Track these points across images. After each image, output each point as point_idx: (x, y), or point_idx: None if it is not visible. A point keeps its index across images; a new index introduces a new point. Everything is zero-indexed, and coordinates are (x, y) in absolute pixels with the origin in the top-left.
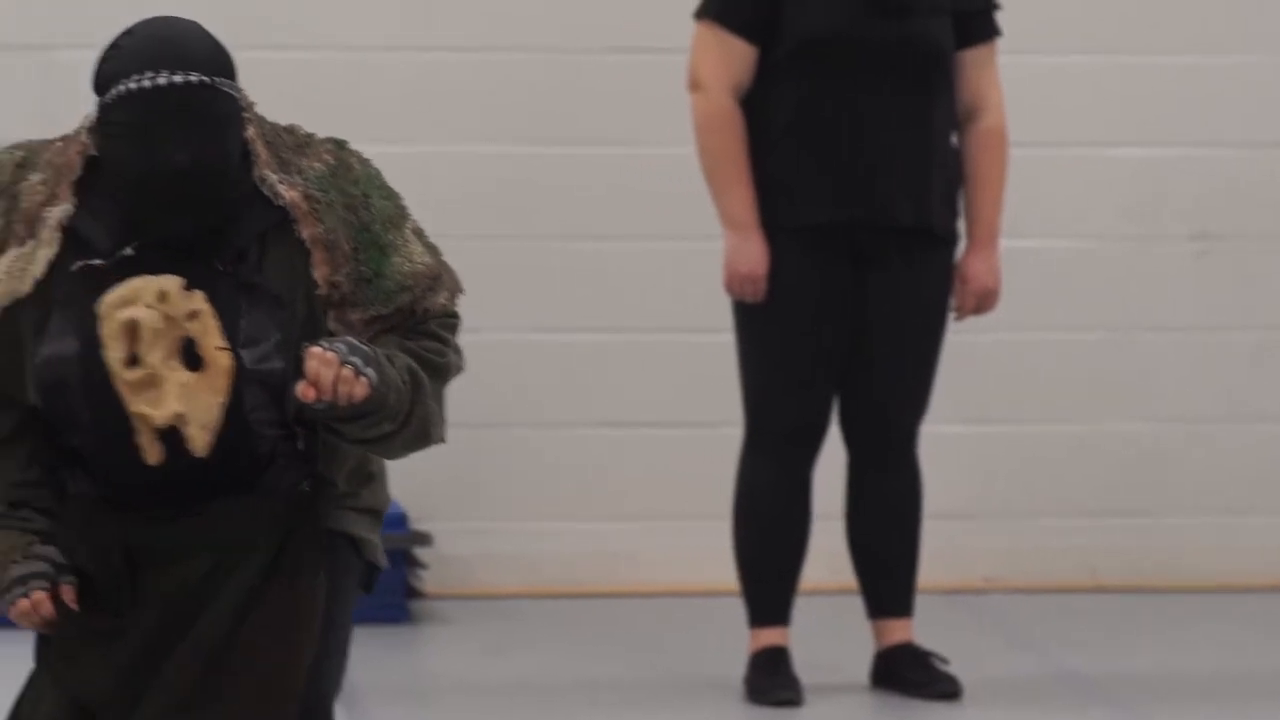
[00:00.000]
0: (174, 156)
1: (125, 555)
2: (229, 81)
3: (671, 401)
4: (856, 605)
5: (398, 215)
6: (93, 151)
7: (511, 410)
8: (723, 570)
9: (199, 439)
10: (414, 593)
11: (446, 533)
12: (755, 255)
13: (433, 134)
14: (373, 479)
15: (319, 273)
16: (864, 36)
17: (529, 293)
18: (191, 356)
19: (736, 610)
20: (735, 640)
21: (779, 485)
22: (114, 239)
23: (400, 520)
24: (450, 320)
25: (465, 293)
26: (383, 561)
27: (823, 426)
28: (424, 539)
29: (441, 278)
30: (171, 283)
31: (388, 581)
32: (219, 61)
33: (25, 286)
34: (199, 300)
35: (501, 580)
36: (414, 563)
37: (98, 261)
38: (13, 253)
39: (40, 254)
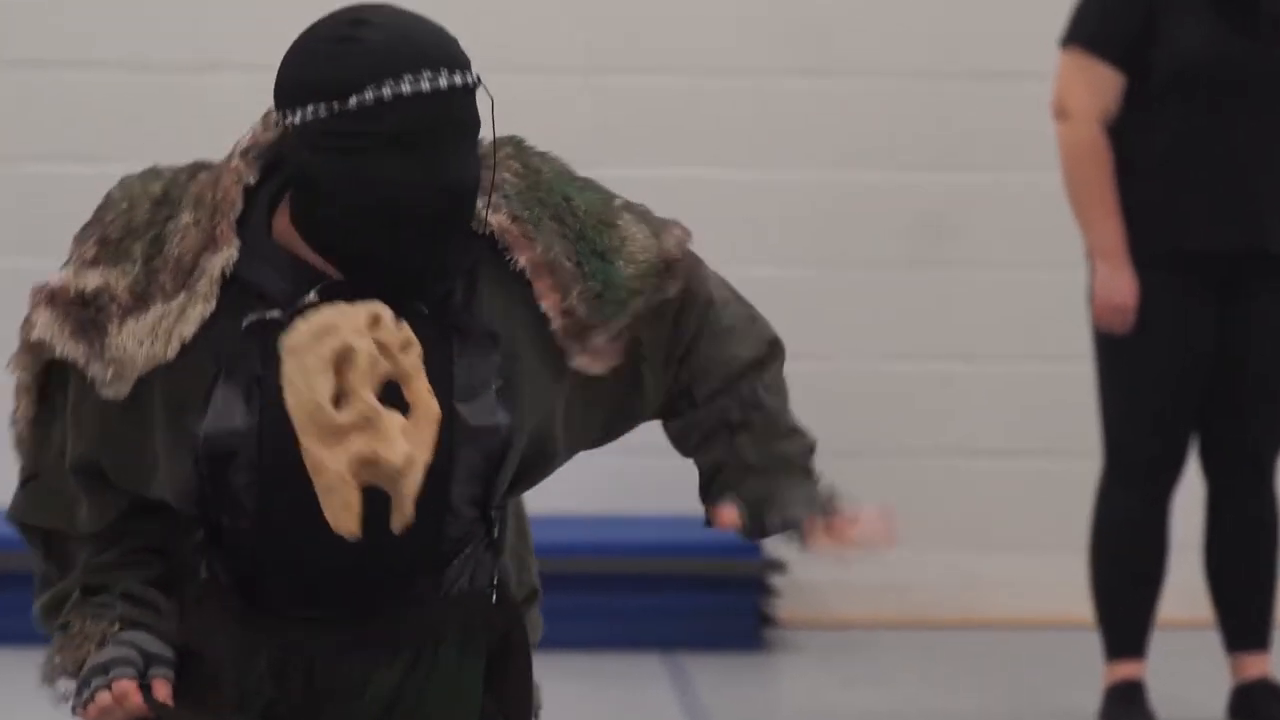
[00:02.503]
0: (457, 172)
1: (276, 660)
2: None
3: (1026, 431)
4: (1213, 639)
5: (603, 206)
6: (249, 181)
7: (866, 438)
8: (1078, 602)
9: (405, 506)
10: (767, 620)
11: (801, 560)
12: (1126, 286)
13: (784, 159)
14: (523, 559)
15: (547, 302)
16: (1239, 63)
17: (883, 320)
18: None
19: (1092, 642)
20: (1090, 673)
21: (1138, 517)
22: (290, 283)
23: (753, 547)
24: (729, 310)
25: (693, 236)
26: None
27: (1183, 458)
28: (778, 566)
29: (674, 266)
30: (381, 307)
31: (740, 608)
32: (467, 61)
33: (169, 352)
34: (409, 332)
35: (856, 609)
36: (767, 590)
37: (275, 313)
38: (156, 310)
39: (193, 311)
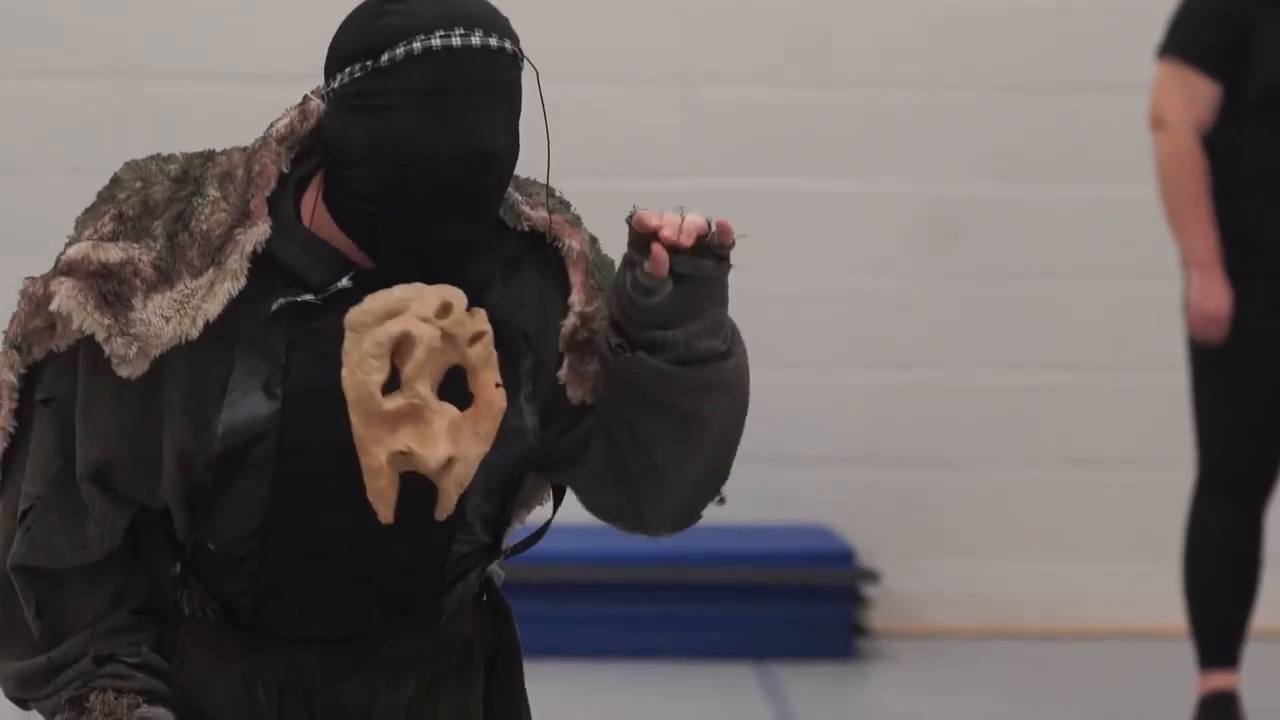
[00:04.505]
0: (487, 135)
1: (275, 693)
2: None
3: (1119, 441)
4: None
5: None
6: (285, 167)
7: (961, 448)
8: (1170, 612)
9: (449, 501)
10: (859, 630)
11: (895, 570)
12: (1220, 296)
13: (890, 168)
14: None
15: (578, 297)
16: None
17: (982, 331)
18: (451, 393)
19: (1184, 653)
20: (1183, 683)
21: (1232, 527)
22: (323, 268)
23: (846, 557)
24: None
25: None
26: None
27: (1276, 470)
28: (871, 576)
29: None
30: (456, 295)
31: (833, 617)
32: (509, 30)
33: (193, 330)
34: (483, 321)
35: (949, 618)
36: (860, 600)
37: (308, 297)
38: (182, 286)
39: (221, 288)
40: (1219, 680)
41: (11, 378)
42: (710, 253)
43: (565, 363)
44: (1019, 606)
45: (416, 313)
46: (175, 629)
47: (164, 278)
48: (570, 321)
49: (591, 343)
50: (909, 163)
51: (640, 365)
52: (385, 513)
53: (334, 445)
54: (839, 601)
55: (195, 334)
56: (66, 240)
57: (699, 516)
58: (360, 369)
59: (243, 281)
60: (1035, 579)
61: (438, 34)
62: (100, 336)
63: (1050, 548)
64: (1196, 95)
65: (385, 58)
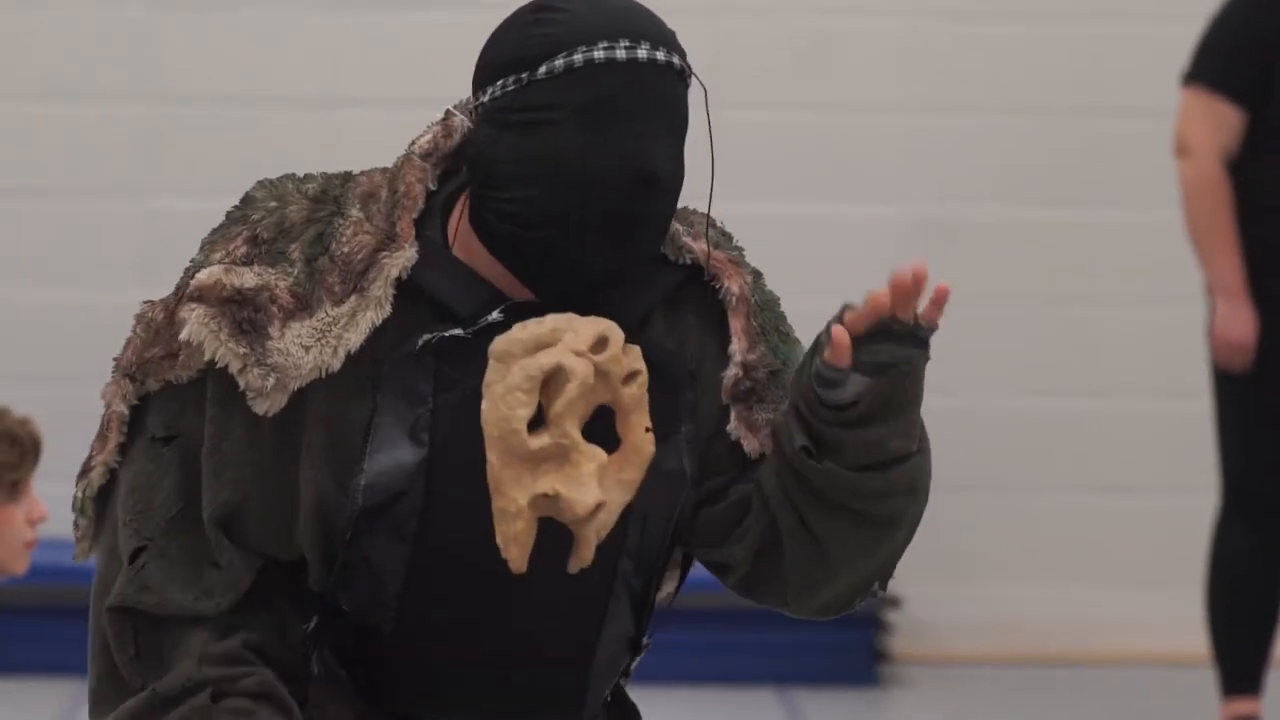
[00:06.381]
0: (650, 156)
1: None
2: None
3: (1142, 468)
4: None
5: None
6: (431, 185)
7: (983, 475)
8: (1193, 638)
9: (586, 550)
10: (881, 655)
11: (917, 596)
12: (1245, 323)
13: (915, 191)
14: None
15: (738, 345)
16: None
17: (1004, 357)
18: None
19: (1207, 679)
20: (1206, 710)
21: (1256, 553)
22: (471, 299)
23: None
24: None
25: None
26: None
27: None
28: (893, 601)
29: None
30: (612, 328)
31: (855, 643)
32: (676, 43)
33: (335, 361)
34: (638, 359)
35: (971, 645)
36: (882, 625)
37: (457, 331)
38: (322, 314)
39: (363, 317)
40: (1242, 707)
41: (123, 409)
42: (911, 337)
43: (733, 416)
44: (1041, 633)
45: (569, 345)
46: (304, 685)
47: (302, 305)
48: (732, 372)
49: (757, 391)
50: (932, 186)
51: (826, 473)
52: (519, 560)
53: (487, 499)
54: (861, 627)
55: (337, 365)
56: (189, 264)
57: (853, 608)
58: (505, 403)
59: (387, 310)
60: (1057, 605)
61: (600, 45)
62: (234, 368)
63: (1073, 574)
64: (1222, 123)
65: (542, 70)
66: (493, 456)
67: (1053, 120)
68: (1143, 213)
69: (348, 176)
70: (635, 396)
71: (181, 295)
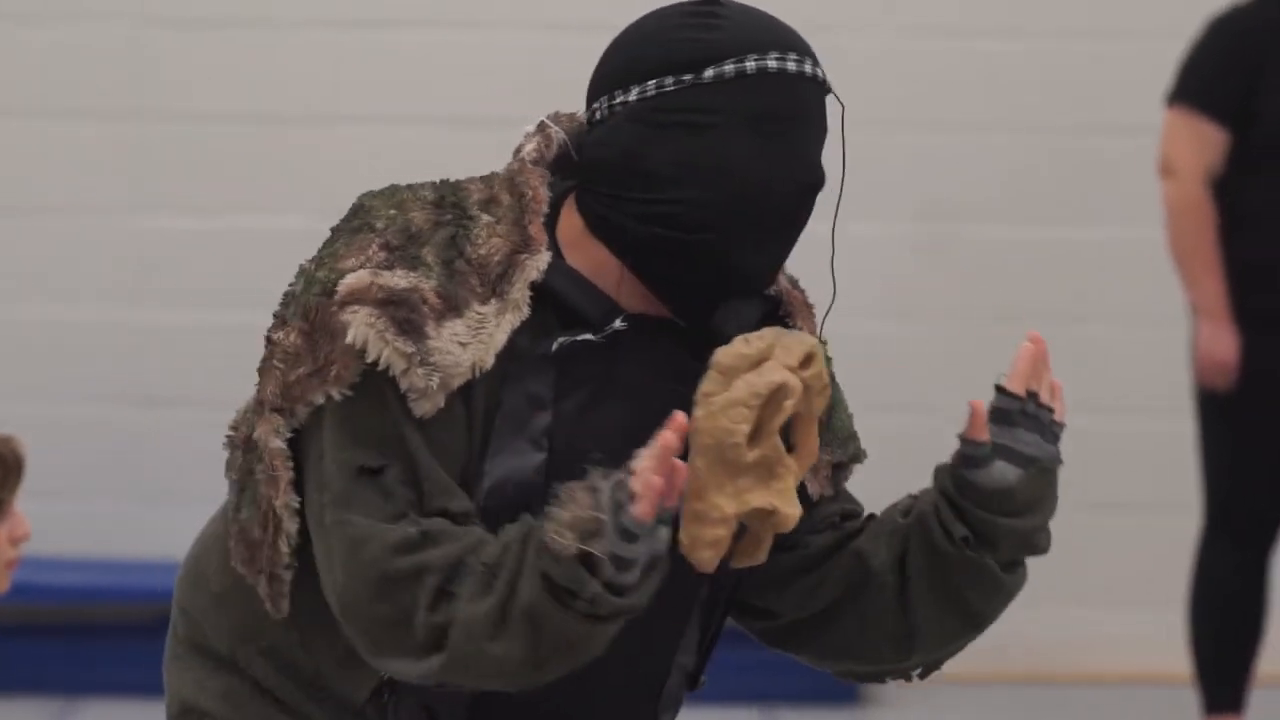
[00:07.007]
0: (812, 166)
1: None
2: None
3: (1128, 486)
4: None
5: None
6: (550, 190)
7: None
8: (1175, 657)
9: (763, 550)
10: None
11: None
12: (1228, 343)
13: (907, 209)
14: None
15: None
16: None
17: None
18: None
19: (1189, 698)
20: None
21: (1239, 572)
22: (594, 305)
23: None
24: None
25: None
26: None
27: None
28: None
29: (858, 455)
30: (815, 345)
31: None
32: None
33: (488, 358)
34: (826, 374)
35: (957, 663)
36: None
37: (587, 336)
38: (471, 313)
39: (506, 319)
40: None
41: (280, 444)
42: (1051, 434)
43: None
44: (1028, 652)
45: (782, 360)
46: None
47: (450, 305)
48: None
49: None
50: (928, 203)
51: (980, 567)
52: (712, 562)
53: None
54: None
55: (490, 362)
56: (295, 282)
57: (884, 682)
58: (727, 416)
59: (525, 312)
60: (1045, 624)
61: (772, 55)
62: (398, 369)
63: (1062, 592)
64: (1206, 143)
65: (710, 73)
66: (700, 462)
67: (1051, 137)
68: (1138, 230)
69: (454, 184)
70: (819, 410)
71: (314, 309)
